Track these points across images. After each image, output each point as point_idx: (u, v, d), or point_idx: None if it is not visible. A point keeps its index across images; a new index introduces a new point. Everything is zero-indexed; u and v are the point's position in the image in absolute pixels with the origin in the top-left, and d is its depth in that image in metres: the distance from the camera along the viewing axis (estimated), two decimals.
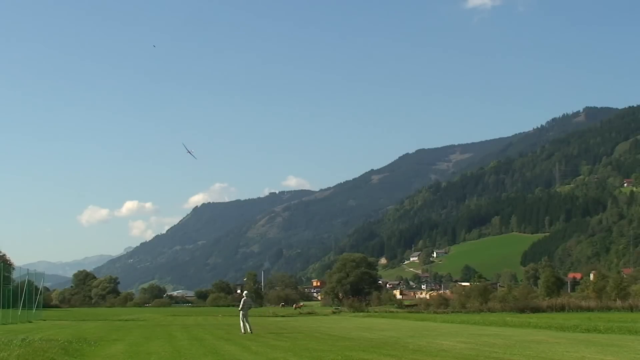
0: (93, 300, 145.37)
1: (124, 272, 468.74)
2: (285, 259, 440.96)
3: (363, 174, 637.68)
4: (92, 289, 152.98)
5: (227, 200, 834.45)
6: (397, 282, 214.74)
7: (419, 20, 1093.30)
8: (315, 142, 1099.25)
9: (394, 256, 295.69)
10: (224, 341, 24.24)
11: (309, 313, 74.77)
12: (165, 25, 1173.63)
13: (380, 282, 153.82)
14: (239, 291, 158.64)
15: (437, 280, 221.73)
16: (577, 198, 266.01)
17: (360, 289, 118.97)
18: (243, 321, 28.76)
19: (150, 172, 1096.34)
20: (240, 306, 29.08)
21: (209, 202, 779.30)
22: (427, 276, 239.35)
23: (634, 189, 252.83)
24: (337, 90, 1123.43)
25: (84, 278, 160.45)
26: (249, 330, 28.38)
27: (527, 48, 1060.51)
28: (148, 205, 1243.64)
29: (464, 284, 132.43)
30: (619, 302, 66.37)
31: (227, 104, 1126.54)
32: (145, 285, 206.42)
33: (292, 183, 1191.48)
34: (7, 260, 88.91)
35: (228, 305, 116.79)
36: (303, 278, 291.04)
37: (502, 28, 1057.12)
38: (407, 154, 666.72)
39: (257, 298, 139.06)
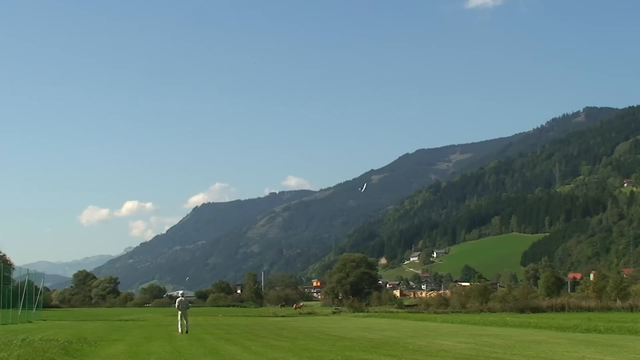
0: (93, 301, 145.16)
1: (124, 272, 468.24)
2: (285, 259, 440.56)
3: (363, 174, 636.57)
4: (92, 289, 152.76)
5: (227, 200, 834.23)
6: (397, 282, 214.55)
7: (420, 20, 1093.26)
8: (315, 142, 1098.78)
9: (394, 256, 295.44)
10: (224, 341, 24.26)
11: (309, 313, 74.81)
12: (165, 24, 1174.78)
13: (380, 282, 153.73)
14: (239, 291, 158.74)
15: (437, 281, 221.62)
16: (577, 198, 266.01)
17: (360, 289, 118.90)
18: (181, 320, 29.41)
19: (150, 172, 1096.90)
20: (177, 305, 29.88)
21: (209, 202, 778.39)
22: (427, 276, 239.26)
23: (634, 189, 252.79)
24: (337, 91, 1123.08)
25: (84, 278, 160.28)
26: (185, 329, 29.16)
27: (528, 48, 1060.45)
28: (148, 205, 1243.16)
29: (464, 284, 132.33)
30: (619, 302, 66.34)
31: (227, 103, 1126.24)
32: (145, 286, 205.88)
33: (292, 183, 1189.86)
34: (7, 260, 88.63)
35: (228, 306, 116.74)
36: (303, 278, 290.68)
37: (502, 28, 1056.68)
38: (407, 154, 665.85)
39: (257, 298, 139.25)
